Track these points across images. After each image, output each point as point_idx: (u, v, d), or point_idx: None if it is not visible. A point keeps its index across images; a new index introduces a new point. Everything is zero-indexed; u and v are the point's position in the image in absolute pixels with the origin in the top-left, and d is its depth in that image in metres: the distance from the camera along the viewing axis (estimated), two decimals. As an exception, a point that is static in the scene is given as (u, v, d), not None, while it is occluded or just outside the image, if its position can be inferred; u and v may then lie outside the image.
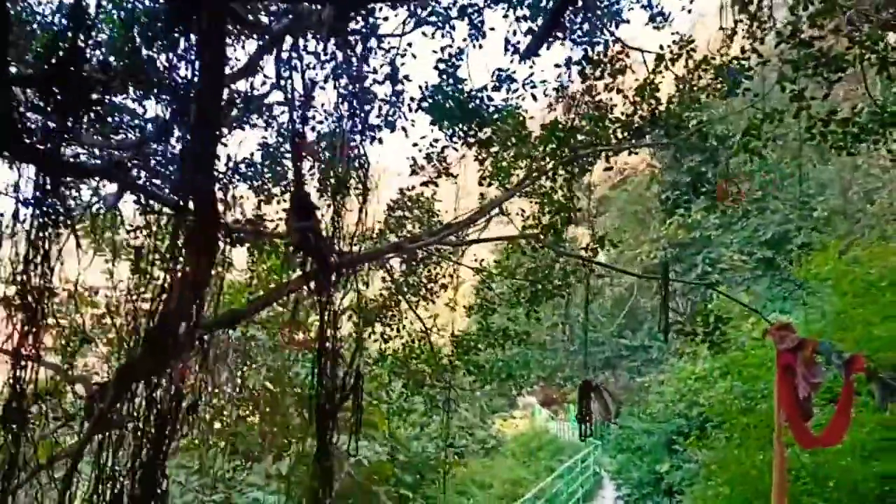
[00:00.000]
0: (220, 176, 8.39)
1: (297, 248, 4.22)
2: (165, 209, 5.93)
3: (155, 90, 6.49)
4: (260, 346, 13.92)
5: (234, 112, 7.91)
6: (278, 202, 8.39)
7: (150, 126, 6.56)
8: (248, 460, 16.08)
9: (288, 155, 8.41)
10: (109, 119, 7.07)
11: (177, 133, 5.53)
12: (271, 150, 8.36)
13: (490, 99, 8.10)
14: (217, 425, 17.06)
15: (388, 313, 9.68)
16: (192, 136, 3.92)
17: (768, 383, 12.09)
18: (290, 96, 7.07)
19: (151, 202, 5.96)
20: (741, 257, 25.24)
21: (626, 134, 8.79)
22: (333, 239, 6.47)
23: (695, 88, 8.33)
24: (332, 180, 7.21)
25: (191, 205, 3.99)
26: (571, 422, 42.69)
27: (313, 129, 8.20)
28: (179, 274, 3.98)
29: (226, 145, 7.91)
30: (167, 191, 6.30)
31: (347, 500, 19.22)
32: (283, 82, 7.18)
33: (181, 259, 3.96)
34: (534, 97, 7.93)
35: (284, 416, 16.75)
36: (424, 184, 8.93)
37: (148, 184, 6.72)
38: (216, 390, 15.48)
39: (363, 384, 5.90)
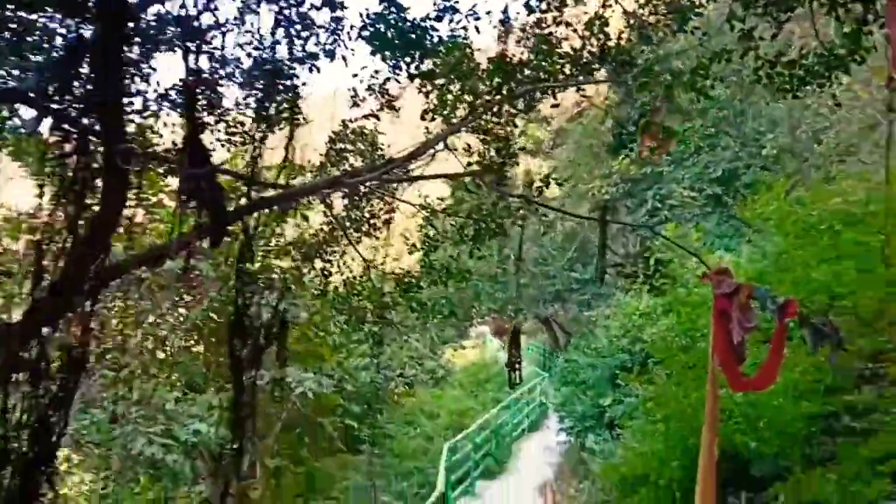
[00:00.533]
0: (150, 103, 8.05)
1: (189, 197, 3.95)
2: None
3: (73, 8, 6.09)
4: (204, 276, 13.66)
5: (164, 35, 7.52)
6: (212, 131, 8.06)
7: (66, 46, 6.15)
8: (192, 391, 15.95)
9: (223, 81, 8.07)
10: (28, 39, 6.66)
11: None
12: (204, 75, 7.97)
13: (434, 29, 7.82)
14: (161, 355, 16.85)
15: (329, 249, 9.48)
16: (97, 56, 3.64)
17: (709, 322, 12.27)
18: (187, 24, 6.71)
19: (67, 128, 5.61)
20: (691, 194, 25.37)
21: (574, 70, 8.58)
22: (255, 174, 6.23)
23: (645, 24, 8.12)
24: (259, 112, 6.95)
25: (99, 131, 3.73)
26: (524, 351, 43.50)
27: (249, 55, 7.88)
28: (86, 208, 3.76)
29: (155, 70, 7.53)
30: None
31: (293, 431, 19.32)
32: (212, 4, 6.82)
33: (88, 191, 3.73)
34: (477, 29, 7.67)
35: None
36: (366, 117, 8.65)
37: (67, 109, 6.34)
38: (158, 321, 15.25)
39: (289, 323, 5.79)
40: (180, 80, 7.67)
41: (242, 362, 5.02)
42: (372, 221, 9.74)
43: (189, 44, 7.20)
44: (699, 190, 26.54)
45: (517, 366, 6.88)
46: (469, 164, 8.71)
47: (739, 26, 7.43)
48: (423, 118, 8.31)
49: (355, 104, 8.50)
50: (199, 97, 6.56)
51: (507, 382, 30.77)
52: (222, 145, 8.08)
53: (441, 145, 8.48)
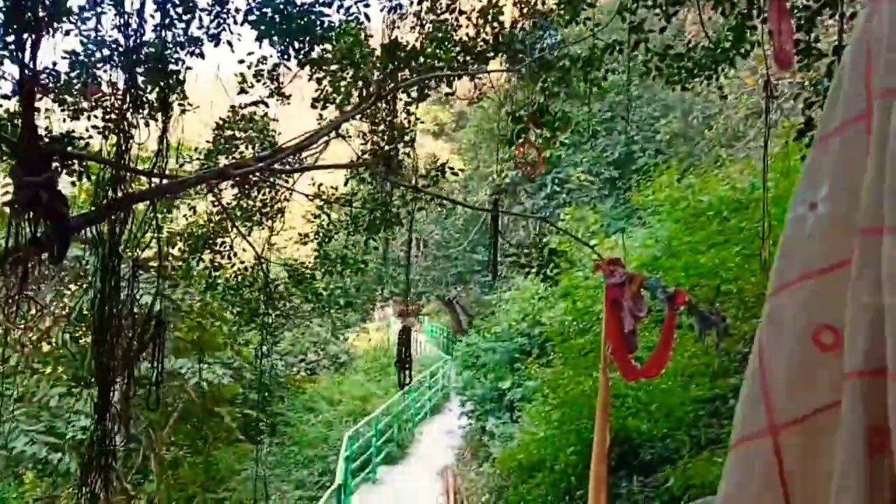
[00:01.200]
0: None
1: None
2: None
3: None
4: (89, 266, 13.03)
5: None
6: (88, 118, 7.63)
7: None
8: (78, 386, 15.24)
9: (99, 64, 7.65)
10: None
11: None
12: (80, 58, 7.52)
13: (325, 15, 7.58)
14: (46, 348, 16.05)
15: (219, 240, 9.13)
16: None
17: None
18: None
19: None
20: (588, 178, 25.87)
21: (468, 58, 8.50)
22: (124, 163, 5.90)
23: (536, 14, 8.10)
24: (135, 97, 6.59)
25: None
26: (427, 333, 43.54)
27: (128, 37, 7.45)
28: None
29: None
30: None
31: (191, 421, 18.78)
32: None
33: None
34: (367, 16, 7.49)
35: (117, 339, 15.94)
36: (254, 103, 8.33)
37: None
38: (39, 313, 14.50)
39: (165, 320, 5.49)
40: (64, 53, 7.25)
41: (110, 361, 4.72)
42: (264, 211, 9.43)
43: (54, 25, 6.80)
44: (596, 174, 27.10)
45: (407, 365, 6.77)
46: (363, 152, 8.52)
47: (630, 18, 7.50)
48: (313, 106, 8.06)
49: (243, 90, 8.18)
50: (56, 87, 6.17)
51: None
52: (99, 132, 7.66)
53: (333, 133, 8.26)
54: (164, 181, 7.46)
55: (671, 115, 26.25)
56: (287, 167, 8.38)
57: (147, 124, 7.47)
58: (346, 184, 9.11)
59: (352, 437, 15.95)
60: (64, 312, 14.84)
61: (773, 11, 6.32)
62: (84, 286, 14.14)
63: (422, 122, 10.23)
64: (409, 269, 24.21)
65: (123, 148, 4.69)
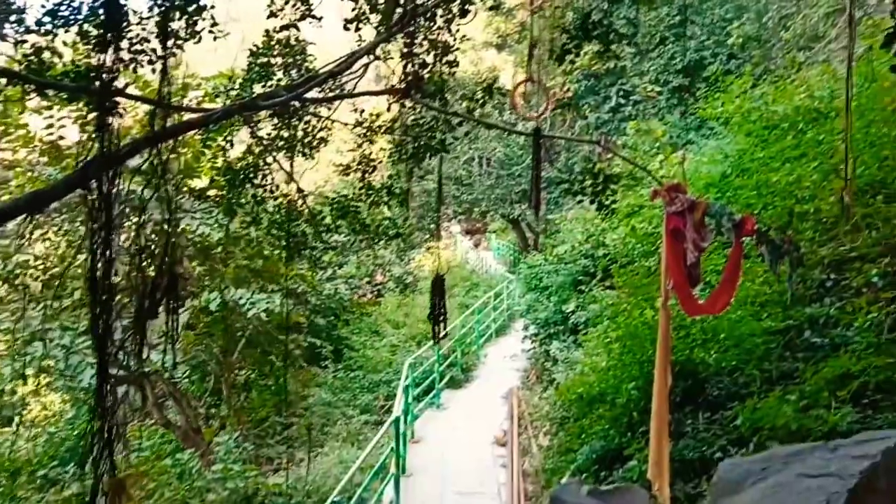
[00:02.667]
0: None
1: None
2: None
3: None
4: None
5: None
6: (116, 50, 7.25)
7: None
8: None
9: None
10: None
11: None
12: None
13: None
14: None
15: (259, 173, 8.77)
16: None
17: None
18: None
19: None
20: (655, 88, 24.62)
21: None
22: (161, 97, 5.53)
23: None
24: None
25: None
26: (494, 251, 43.16)
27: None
28: None
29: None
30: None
31: (257, 349, 18.95)
32: None
33: None
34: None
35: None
36: (284, 27, 7.82)
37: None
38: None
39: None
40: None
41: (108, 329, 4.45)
42: (306, 141, 9.01)
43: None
44: (664, 83, 25.81)
45: (441, 318, 6.30)
46: (406, 75, 7.96)
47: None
48: (346, 28, 7.50)
49: (272, 14, 7.66)
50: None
51: (474, 285, 30.77)
52: (126, 66, 7.30)
53: (371, 57, 7.72)
54: (192, 115, 7.11)
55: (744, 16, 24.63)
56: (322, 95, 7.89)
57: (172, 55, 7.10)
58: (388, 110, 8.58)
59: (412, 365, 15.82)
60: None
61: None
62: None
63: (469, 40, 9.56)
64: (440, 195, 23.69)
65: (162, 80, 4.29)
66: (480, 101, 8.24)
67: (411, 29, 7.84)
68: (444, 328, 6.16)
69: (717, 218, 6.46)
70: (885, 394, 6.53)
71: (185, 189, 13.28)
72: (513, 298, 26.74)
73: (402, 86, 7.40)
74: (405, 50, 7.58)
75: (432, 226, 41.07)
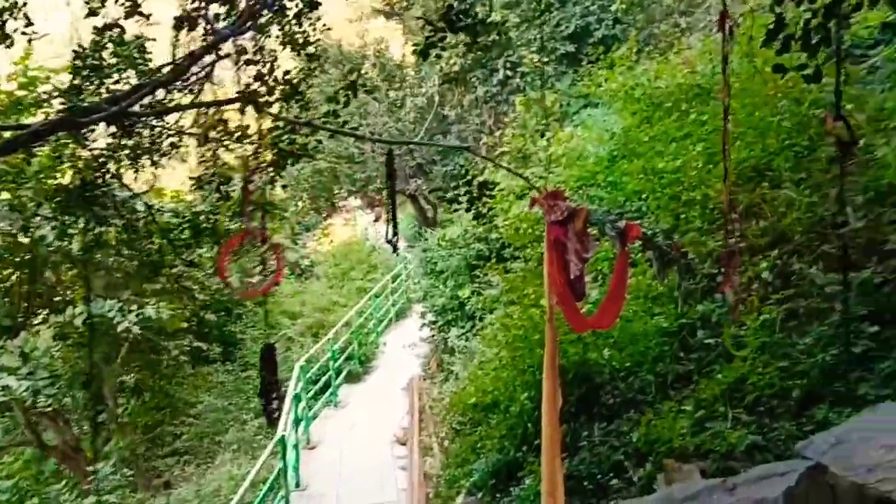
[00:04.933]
0: None
1: None
2: None
3: None
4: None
5: None
6: None
7: None
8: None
9: None
10: None
11: None
12: None
13: None
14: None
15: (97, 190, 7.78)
16: None
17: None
18: None
19: None
20: (543, 58, 24.20)
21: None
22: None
23: None
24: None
25: None
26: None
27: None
28: None
29: None
30: None
31: (142, 353, 17.75)
32: None
33: None
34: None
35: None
36: (107, 27, 6.83)
37: None
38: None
39: None
40: None
41: None
42: (154, 148, 8.06)
43: None
44: (552, 50, 25.42)
45: (275, 397, 5.55)
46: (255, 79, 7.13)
47: None
48: (177, 27, 6.57)
49: (92, 12, 6.68)
50: None
51: (372, 267, 29.98)
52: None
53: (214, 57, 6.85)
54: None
55: (627, -20, 24.43)
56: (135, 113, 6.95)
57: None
58: (242, 114, 7.70)
59: (303, 368, 15.04)
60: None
61: None
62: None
63: (329, 29, 8.78)
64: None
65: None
66: (343, 102, 7.45)
67: (256, 24, 7.00)
68: (280, 407, 5.39)
69: (601, 226, 5.97)
70: (780, 399, 6.22)
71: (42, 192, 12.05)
72: (412, 278, 26.17)
73: (249, 89, 6.55)
74: (243, 50, 6.74)
75: (329, 204, 40.08)
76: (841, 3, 3.97)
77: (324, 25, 8.62)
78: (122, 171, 7.72)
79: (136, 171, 7.93)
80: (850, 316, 6.31)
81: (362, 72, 30.74)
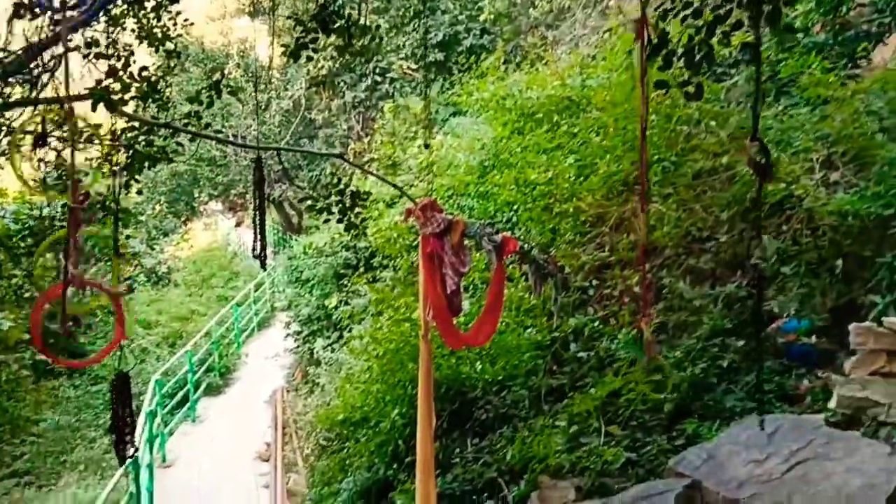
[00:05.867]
0: None
1: None
2: None
3: None
4: None
5: None
6: None
7: None
8: None
9: None
10: None
11: None
12: None
13: None
14: None
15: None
16: None
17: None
18: None
19: None
20: (411, 64, 24.12)
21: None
22: None
23: None
24: None
25: None
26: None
27: None
28: None
29: None
30: None
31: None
32: None
33: None
34: None
35: None
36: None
37: None
38: None
39: None
40: None
41: None
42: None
43: None
44: (421, 57, 25.39)
45: (128, 433, 5.10)
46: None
47: None
48: (16, 15, 5.92)
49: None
50: None
51: (234, 275, 28.89)
52: None
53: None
54: None
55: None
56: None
57: None
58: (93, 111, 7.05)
59: (159, 382, 14.17)
60: None
61: None
62: None
63: (191, 25, 8.26)
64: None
65: None
66: (206, 103, 6.96)
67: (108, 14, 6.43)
68: (133, 443, 4.93)
69: (477, 239, 5.78)
70: (652, 413, 6.25)
71: None
72: (277, 286, 25.41)
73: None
74: (95, 42, 6.16)
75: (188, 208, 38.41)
76: (725, 21, 3.94)
77: (185, 20, 8.10)
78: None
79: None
80: (716, 329, 6.44)
81: (226, 72, 29.72)
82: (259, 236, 5.38)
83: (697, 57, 4.08)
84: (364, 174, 13.72)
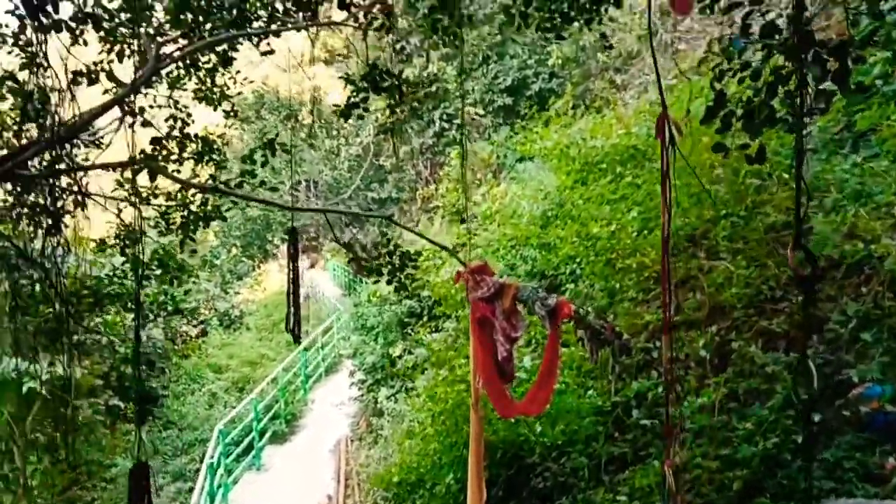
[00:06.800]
0: None
1: None
2: None
3: None
4: None
5: None
6: None
7: None
8: None
9: None
10: None
11: None
12: None
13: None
14: None
15: None
16: None
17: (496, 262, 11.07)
18: None
19: None
20: (477, 111, 24.12)
21: (288, 3, 6.61)
22: None
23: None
24: None
25: None
26: (331, 273, 41.27)
27: None
28: None
29: None
30: None
31: (47, 416, 16.66)
32: None
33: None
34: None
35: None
36: (5, 78, 6.22)
37: None
38: None
39: None
40: None
41: None
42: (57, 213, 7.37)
43: None
44: (489, 102, 25.42)
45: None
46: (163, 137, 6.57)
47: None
48: (75, 82, 6.00)
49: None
50: None
51: (305, 318, 29.06)
52: None
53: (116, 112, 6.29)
54: None
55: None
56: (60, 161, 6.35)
57: None
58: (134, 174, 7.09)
59: (223, 432, 14.19)
60: None
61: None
62: None
63: (249, 81, 8.31)
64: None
65: None
66: (262, 162, 6.94)
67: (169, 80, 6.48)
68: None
69: (530, 303, 5.53)
70: (720, 490, 5.82)
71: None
72: (344, 332, 25.45)
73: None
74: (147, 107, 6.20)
75: (262, 251, 39.12)
76: (789, 80, 3.64)
77: (245, 79, 8.17)
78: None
79: (35, 230, 7.23)
80: (792, 400, 5.99)
81: (299, 118, 30.30)
82: (293, 310, 5.22)
83: (758, 120, 3.80)
84: (421, 224, 13.55)
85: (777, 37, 3.68)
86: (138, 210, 7.18)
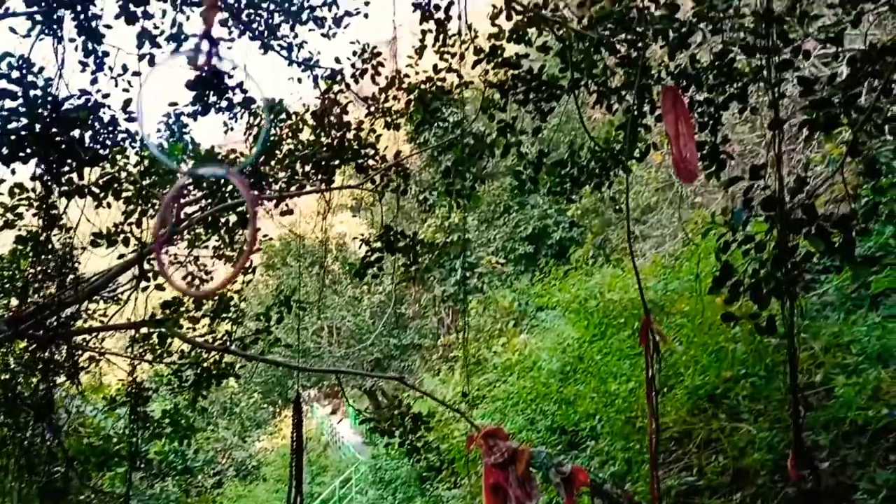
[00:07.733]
0: None
1: None
2: None
3: None
4: None
5: None
6: None
7: None
8: None
9: None
10: None
11: None
12: None
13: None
14: None
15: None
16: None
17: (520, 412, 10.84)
18: None
19: None
20: (498, 259, 24.40)
21: (307, 167, 6.84)
22: None
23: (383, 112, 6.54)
24: None
25: None
26: (352, 419, 40.47)
27: None
28: None
29: None
30: None
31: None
32: None
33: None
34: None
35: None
36: (23, 240, 6.41)
37: None
38: None
39: None
40: None
41: None
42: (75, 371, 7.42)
43: None
44: (510, 250, 25.75)
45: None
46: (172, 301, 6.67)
47: (500, 116, 5.95)
48: (94, 244, 6.17)
49: (7, 224, 6.26)
50: None
51: (322, 469, 28.44)
52: None
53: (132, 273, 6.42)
54: None
55: (583, 189, 25.17)
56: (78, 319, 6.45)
57: None
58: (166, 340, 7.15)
59: None
60: None
61: (668, 110, 4.81)
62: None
63: (269, 239, 8.47)
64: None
65: None
66: (276, 318, 6.99)
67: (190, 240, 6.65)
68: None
69: (544, 470, 5.39)
70: None
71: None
72: (362, 485, 24.75)
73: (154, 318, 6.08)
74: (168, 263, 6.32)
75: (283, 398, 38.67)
76: (793, 254, 3.65)
77: (265, 236, 8.36)
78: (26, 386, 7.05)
79: (49, 386, 7.24)
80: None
81: (324, 265, 30.83)
82: (295, 488, 5.10)
83: (765, 290, 3.78)
84: (442, 373, 13.42)
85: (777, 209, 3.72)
86: (133, 377, 7.23)
